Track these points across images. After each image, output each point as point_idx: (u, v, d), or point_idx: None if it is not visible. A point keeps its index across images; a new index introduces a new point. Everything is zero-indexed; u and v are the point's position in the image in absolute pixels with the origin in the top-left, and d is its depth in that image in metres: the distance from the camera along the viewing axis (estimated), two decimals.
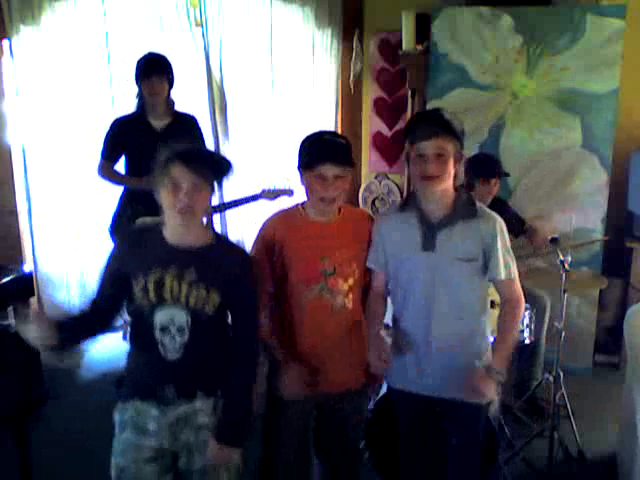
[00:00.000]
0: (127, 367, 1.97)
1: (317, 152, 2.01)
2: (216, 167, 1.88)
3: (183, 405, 1.87)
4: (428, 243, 2.02)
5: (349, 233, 2.12)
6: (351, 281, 2.09)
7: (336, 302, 2.08)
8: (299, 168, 2.06)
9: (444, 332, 2.05)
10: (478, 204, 2.07)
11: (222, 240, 1.98)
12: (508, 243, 2.07)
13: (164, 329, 1.84)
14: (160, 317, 1.84)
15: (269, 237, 2.09)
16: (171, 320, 1.83)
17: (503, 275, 2.03)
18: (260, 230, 2.14)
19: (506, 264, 2.04)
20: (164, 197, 1.82)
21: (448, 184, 2.01)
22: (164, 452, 1.89)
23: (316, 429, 2.23)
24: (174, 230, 1.86)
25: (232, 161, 1.90)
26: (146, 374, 1.90)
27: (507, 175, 3.40)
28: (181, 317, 1.83)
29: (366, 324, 2.18)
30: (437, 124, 1.96)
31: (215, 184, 1.88)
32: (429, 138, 1.94)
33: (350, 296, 2.10)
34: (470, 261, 2.01)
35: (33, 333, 1.73)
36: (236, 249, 1.97)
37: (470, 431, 2.12)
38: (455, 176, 2.02)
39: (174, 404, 1.87)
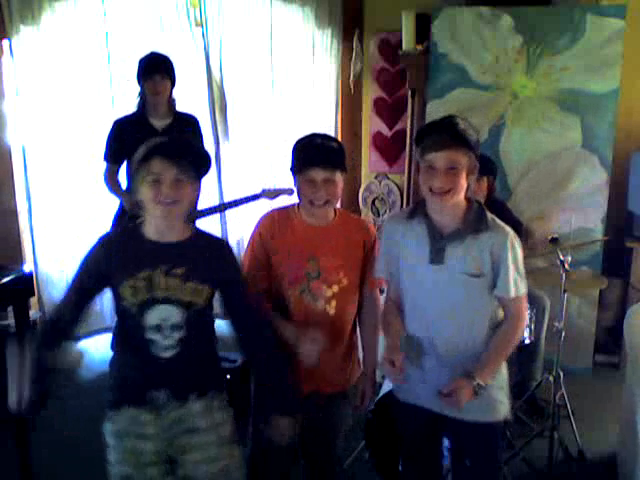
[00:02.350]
0: (113, 374, 1.94)
1: (306, 156, 2.00)
2: (197, 159, 1.85)
3: (176, 409, 1.87)
4: (436, 256, 1.92)
5: (341, 240, 2.08)
6: (336, 288, 2.06)
7: (316, 306, 2.06)
8: (291, 171, 2.06)
9: (450, 348, 1.95)
10: (490, 216, 1.95)
11: (201, 232, 1.98)
12: (520, 257, 1.94)
13: (157, 328, 1.81)
14: (152, 316, 1.81)
15: (265, 232, 2.10)
16: (164, 318, 1.81)
17: (512, 293, 1.91)
18: (256, 226, 2.13)
19: (515, 281, 1.91)
20: (145, 192, 1.79)
21: (459, 197, 1.90)
22: (162, 456, 1.87)
23: (301, 431, 2.17)
24: (156, 226, 1.84)
25: (209, 155, 1.90)
26: (136, 379, 1.87)
27: (489, 174, 3.34)
28: (174, 314, 1.82)
29: (350, 336, 2.16)
30: (449, 134, 1.83)
31: (196, 177, 1.85)
32: (440, 150, 1.83)
33: (333, 303, 2.07)
34: (478, 277, 1.91)
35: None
36: (216, 240, 2.00)
37: (484, 452, 2.02)
38: (467, 188, 1.90)
39: (167, 408, 1.86)
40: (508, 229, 1.95)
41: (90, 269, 1.85)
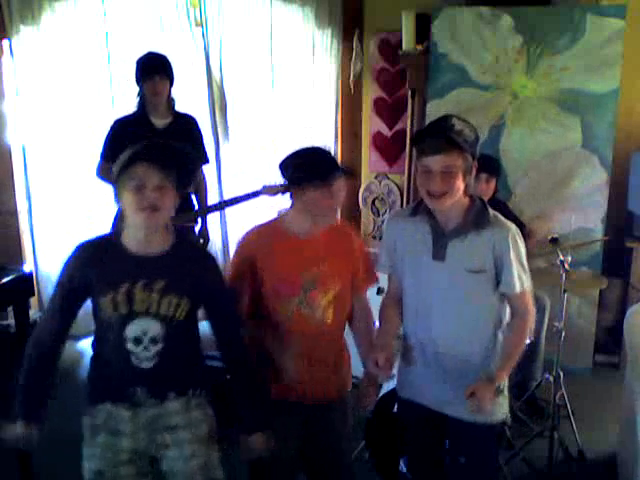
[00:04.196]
0: (93, 371, 1.93)
1: (328, 167, 1.96)
2: (180, 165, 1.81)
3: (155, 406, 1.86)
4: (438, 253, 1.93)
5: (333, 247, 2.07)
6: (330, 295, 2.04)
7: (314, 317, 2.03)
8: (299, 184, 1.96)
9: (453, 346, 1.95)
10: (492, 212, 1.95)
11: (182, 242, 1.91)
12: (523, 253, 1.94)
13: (137, 340, 1.80)
14: (132, 329, 1.79)
15: (247, 253, 2.05)
16: (144, 332, 1.80)
17: (517, 289, 1.91)
18: (237, 246, 2.09)
19: (519, 276, 1.92)
20: (127, 199, 1.74)
21: (456, 198, 1.89)
22: (140, 455, 1.86)
23: (303, 444, 2.15)
24: (137, 238, 1.80)
25: (195, 160, 1.88)
26: (116, 378, 1.86)
27: (497, 174, 3.34)
28: (154, 327, 1.80)
29: (342, 341, 2.16)
30: (445, 137, 1.82)
31: (178, 186, 1.80)
32: (435, 154, 1.82)
33: (330, 311, 2.05)
34: (480, 272, 1.91)
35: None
36: (198, 250, 2.02)
37: (479, 451, 2.04)
38: (467, 186, 1.91)
39: (146, 405, 1.85)
40: (510, 224, 1.95)
41: (74, 277, 1.84)
